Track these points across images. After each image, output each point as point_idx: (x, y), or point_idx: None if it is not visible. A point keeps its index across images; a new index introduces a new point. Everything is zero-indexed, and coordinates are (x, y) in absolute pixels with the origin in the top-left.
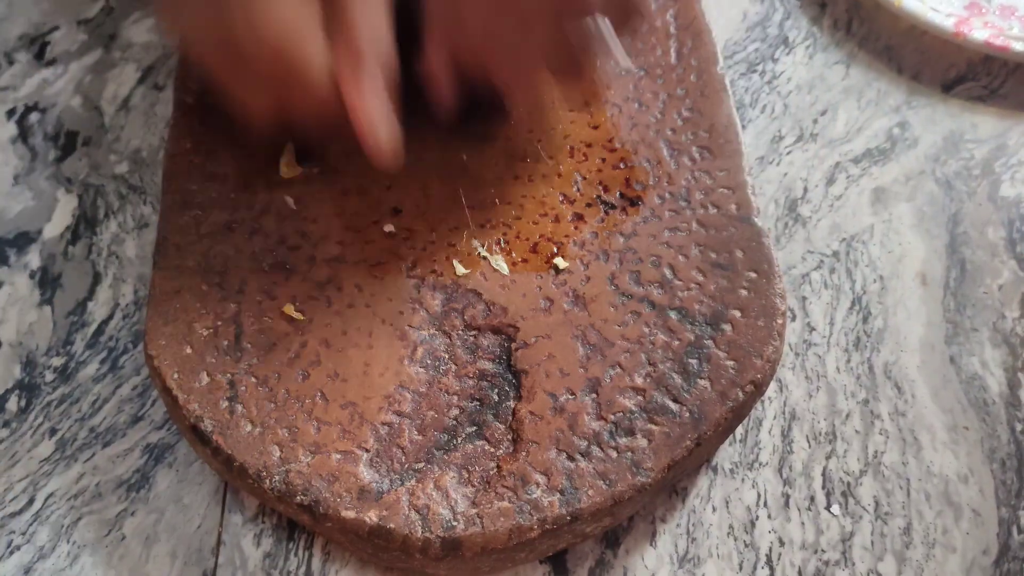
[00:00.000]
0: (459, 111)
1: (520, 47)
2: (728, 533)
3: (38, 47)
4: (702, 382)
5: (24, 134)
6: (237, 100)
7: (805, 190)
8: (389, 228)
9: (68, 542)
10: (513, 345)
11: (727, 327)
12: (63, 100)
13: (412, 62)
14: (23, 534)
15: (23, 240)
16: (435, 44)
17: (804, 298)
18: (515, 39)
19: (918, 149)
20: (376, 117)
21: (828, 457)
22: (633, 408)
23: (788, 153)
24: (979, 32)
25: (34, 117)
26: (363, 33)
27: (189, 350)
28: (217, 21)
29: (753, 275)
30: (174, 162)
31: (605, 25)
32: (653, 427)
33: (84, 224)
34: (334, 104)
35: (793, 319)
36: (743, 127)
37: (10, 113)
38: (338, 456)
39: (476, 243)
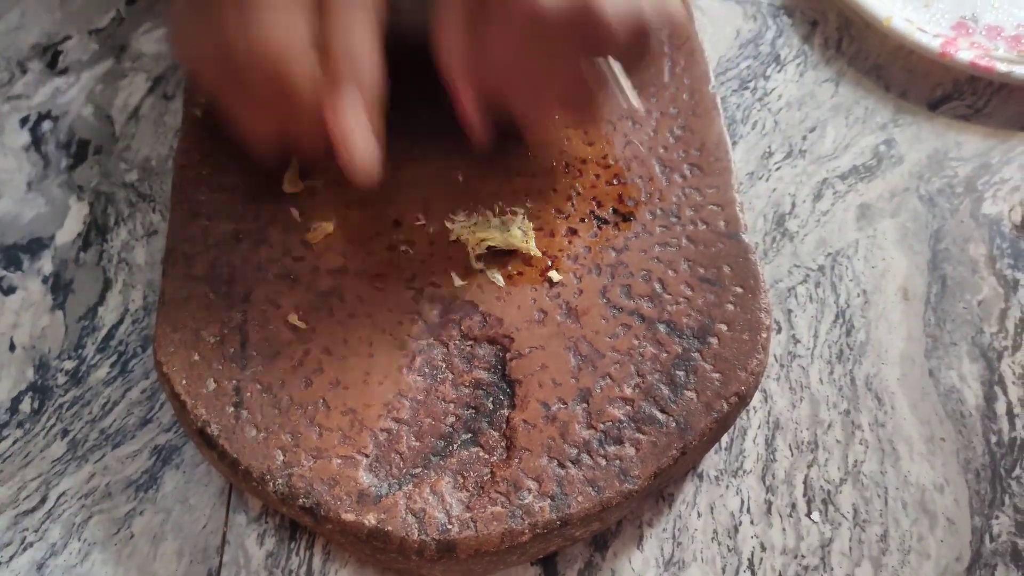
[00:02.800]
0: (491, 141)
1: (539, 84)
2: (712, 538)
3: (51, 56)
4: (688, 393)
5: (37, 142)
6: (238, 120)
7: (793, 205)
8: (389, 241)
9: (79, 540)
10: (508, 355)
11: (713, 340)
12: (75, 109)
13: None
14: (36, 531)
15: (36, 246)
16: (462, 81)
17: (790, 311)
18: (535, 77)
19: (903, 166)
20: (351, 136)
21: (810, 466)
22: (622, 418)
23: (777, 169)
24: (965, 53)
25: (47, 125)
26: (345, 54)
27: (197, 357)
28: (217, 43)
29: (739, 290)
30: (183, 173)
31: (618, 68)
32: (641, 436)
33: (95, 231)
34: (321, 123)
35: (779, 331)
36: (735, 143)
37: (23, 121)
38: (339, 461)
39: (473, 255)
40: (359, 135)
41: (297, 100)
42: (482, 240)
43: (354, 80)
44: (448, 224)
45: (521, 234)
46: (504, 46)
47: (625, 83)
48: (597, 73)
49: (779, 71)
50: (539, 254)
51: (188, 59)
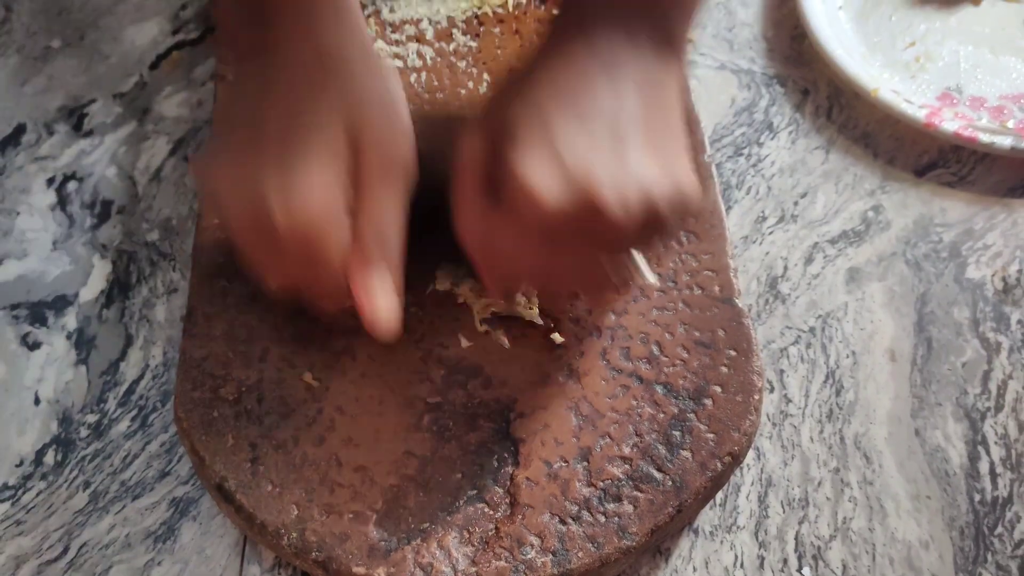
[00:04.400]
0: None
1: (555, 274)
2: None
3: (76, 119)
4: (684, 453)
5: (63, 202)
6: (261, 270)
7: (785, 268)
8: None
9: None
10: (512, 415)
11: (708, 401)
12: (99, 170)
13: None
14: None
15: (61, 303)
16: (480, 260)
17: (782, 371)
18: (550, 268)
19: (890, 232)
20: (380, 313)
21: (801, 522)
22: (621, 476)
23: (770, 233)
24: (949, 123)
25: (72, 186)
26: (377, 235)
27: (215, 414)
28: (254, 200)
29: (733, 353)
30: (204, 236)
31: (638, 255)
32: (639, 494)
33: (117, 288)
34: (346, 288)
35: (771, 390)
36: (730, 207)
37: (50, 181)
38: (350, 516)
39: (477, 320)
40: (386, 312)
41: (326, 267)
42: (487, 306)
43: (383, 258)
44: (455, 288)
45: (525, 300)
46: (515, 240)
47: (642, 264)
48: (617, 264)
49: (772, 138)
50: (541, 322)
51: (219, 206)
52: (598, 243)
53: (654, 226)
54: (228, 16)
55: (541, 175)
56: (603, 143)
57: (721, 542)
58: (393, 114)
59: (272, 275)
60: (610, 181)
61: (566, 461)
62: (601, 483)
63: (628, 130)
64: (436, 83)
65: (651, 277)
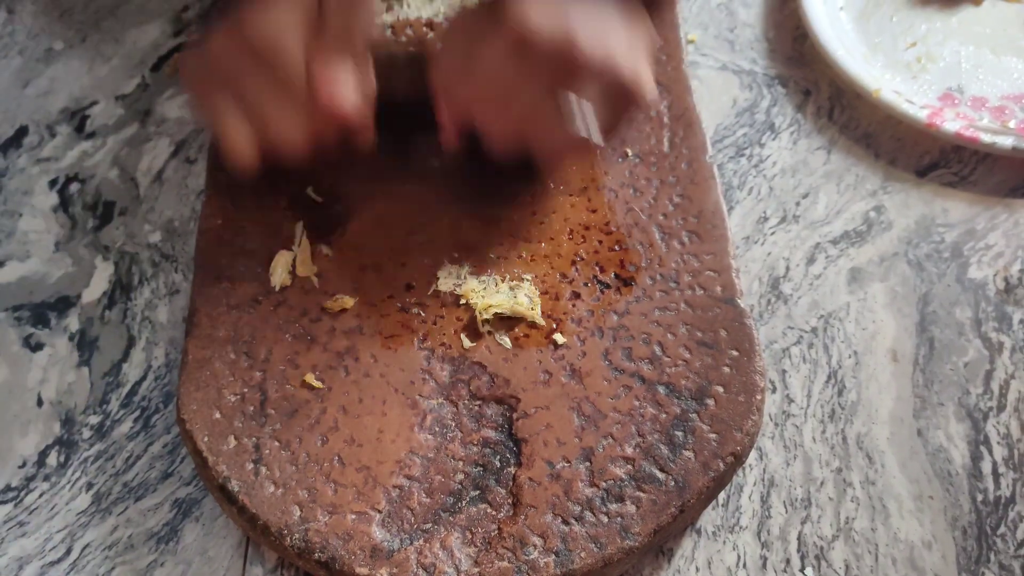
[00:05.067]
0: (462, 150)
1: (512, 104)
2: None
3: (78, 121)
4: (687, 453)
5: (65, 203)
6: (230, 126)
7: (787, 269)
8: (402, 303)
9: None
10: (514, 415)
11: (710, 402)
12: (101, 171)
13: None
14: None
15: (63, 304)
16: (444, 92)
17: (784, 371)
18: (510, 96)
19: (892, 232)
20: (338, 92)
21: (803, 522)
22: (623, 476)
23: (772, 233)
24: (951, 124)
25: (74, 187)
26: (335, 24)
27: (218, 415)
28: (214, 43)
29: (735, 353)
30: (206, 238)
31: (588, 107)
32: (641, 494)
33: (120, 290)
34: (306, 94)
35: (773, 391)
36: (731, 208)
37: (52, 183)
38: (353, 516)
39: (480, 320)
40: (348, 89)
41: (284, 70)
42: (489, 306)
43: (347, 50)
44: (458, 288)
45: (527, 301)
46: (488, 63)
47: (591, 120)
48: (567, 106)
49: (774, 139)
50: (543, 323)
51: (184, 71)
52: (560, 74)
53: (611, 80)
54: None
55: (532, 10)
56: (590, 19)
57: (724, 542)
58: None
59: (232, 126)
60: (588, 35)
61: (569, 461)
62: (604, 483)
63: (609, 24)
64: None
65: (597, 136)
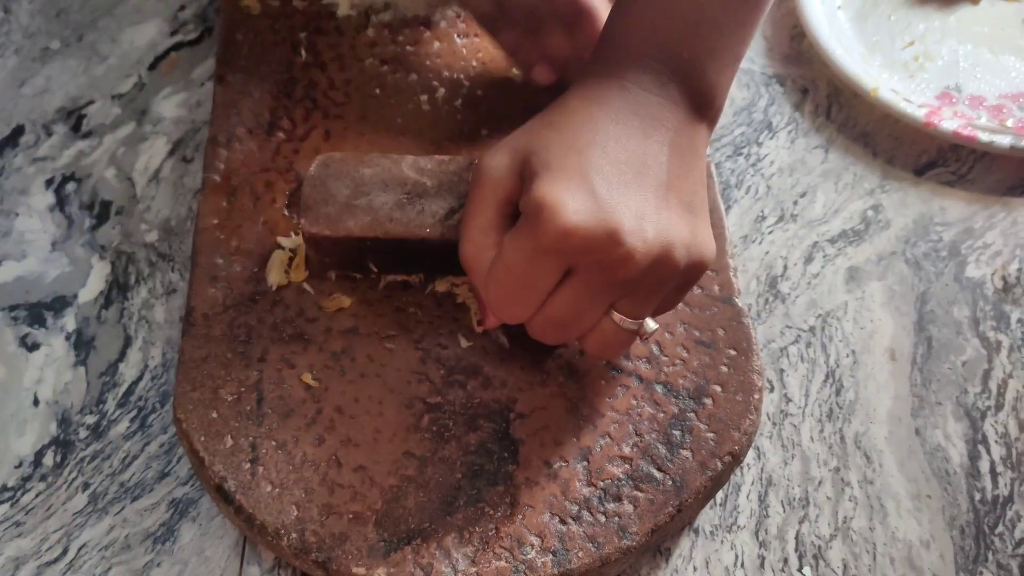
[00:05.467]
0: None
1: (561, 316)
2: None
3: (75, 120)
4: (684, 452)
5: (61, 203)
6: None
7: (785, 268)
8: (399, 303)
9: None
10: (511, 415)
11: (708, 401)
12: (98, 171)
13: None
14: None
15: (60, 304)
16: (484, 289)
17: (782, 370)
18: (558, 307)
19: (890, 231)
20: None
21: (801, 521)
22: (621, 476)
23: (770, 232)
24: (948, 122)
25: (71, 187)
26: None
27: (215, 414)
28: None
29: (733, 352)
30: (202, 237)
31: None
32: (638, 494)
33: (116, 289)
34: None
35: (771, 390)
36: (729, 207)
37: (48, 182)
38: (350, 516)
39: (475, 320)
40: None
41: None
42: None
43: None
44: (454, 288)
45: None
46: (518, 256)
47: (654, 327)
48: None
49: (771, 138)
50: None
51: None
52: (610, 279)
53: (666, 274)
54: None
55: (570, 197)
56: (633, 187)
57: (721, 542)
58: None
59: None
60: (634, 222)
61: (566, 461)
62: (601, 483)
63: (656, 182)
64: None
65: (652, 324)
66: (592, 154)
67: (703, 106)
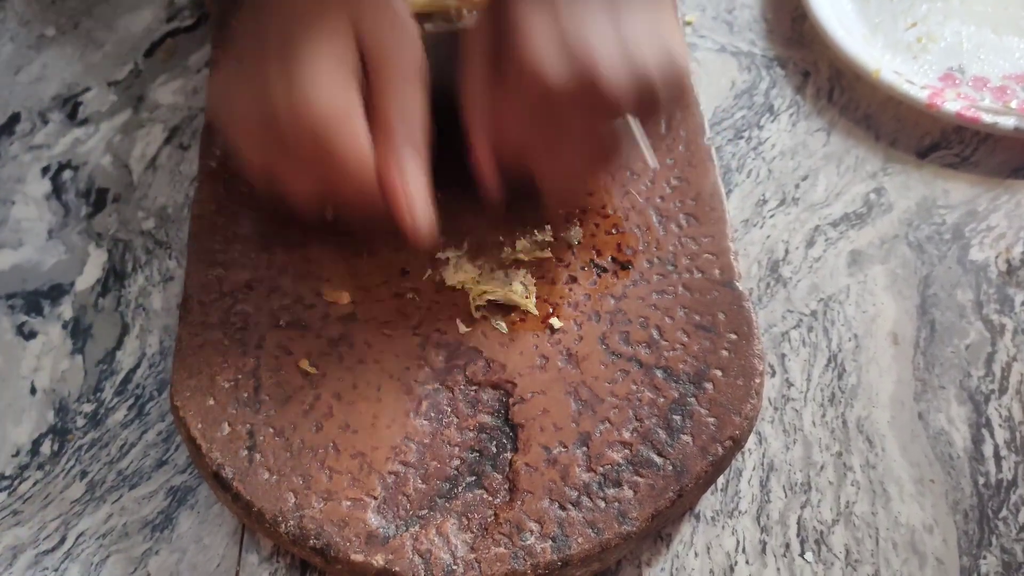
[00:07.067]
0: (506, 200)
1: (556, 144)
2: None
3: (71, 107)
4: (685, 437)
5: (58, 191)
6: (278, 182)
7: (786, 252)
8: (397, 289)
9: None
10: (511, 400)
11: (709, 385)
12: (94, 158)
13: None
14: (55, 571)
15: (56, 292)
16: (480, 144)
17: (783, 355)
18: (552, 138)
19: (893, 214)
20: (414, 203)
21: (803, 506)
22: (620, 461)
23: (771, 216)
24: (951, 104)
25: (67, 174)
26: (402, 122)
27: (212, 402)
28: (261, 106)
29: (734, 337)
30: (199, 223)
31: (636, 124)
32: (639, 479)
33: (113, 277)
34: (373, 186)
35: (773, 375)
36: (730, 190)
37: (44, 170)
38: (348, 503)
39: (473, 306)
40: (421, 199)
41: (346, 163)
42: (483, 292)
43: (412, 146)
44: (454, 273)
45: (522, 289)
46: (519, 111)
47: (642, 139)
48: (613, 132)
49: (773, 121)
50: (536, 312)
51: (227, 123)
52: (595, 112)
53: (648, 95)
54: None
55: (544, 52)
56: (601, 17)
57: (723, 527)
58: (402, 19)
59: (291, 185)
60: (607, 54)
61: (565, 446)
62: (601, 468)
63: (624, 4)
64: None
65: (651, 157)
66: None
67: None
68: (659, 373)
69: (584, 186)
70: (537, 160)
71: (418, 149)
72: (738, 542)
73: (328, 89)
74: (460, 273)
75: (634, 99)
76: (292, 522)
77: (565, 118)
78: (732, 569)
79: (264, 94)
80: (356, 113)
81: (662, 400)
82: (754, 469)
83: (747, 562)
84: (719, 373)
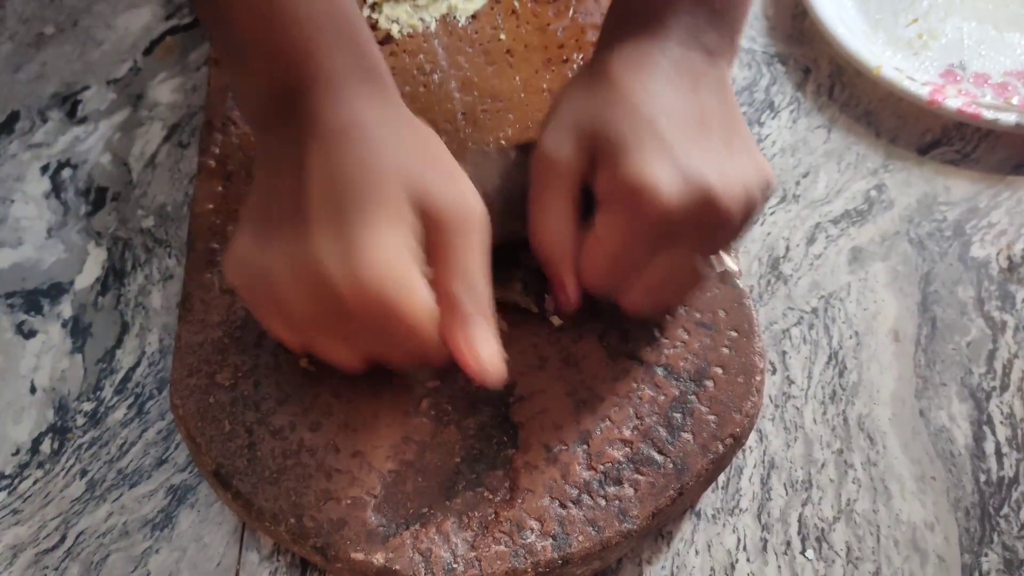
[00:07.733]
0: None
1: (649, 275)
2: (710, 575)
3: (70, 106)
4: (685, 435)
5: (57, 189)
6: (325, 350)
7: (787, 249)
8: None
9: None
10: (510, 398)
11: (709, 383)
12: (93, 157)
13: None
14: (56, 569)
15: (56, 291)
16: (566, 270)
17: (784, 352)
18: (652, 278)
19: (894, 211)
20: (487, 364)
21: (804, 504)
22: (621, 459)
23: (772, 213)
24: (952, 100)
25: (66, 173)
26: (464, 286)
27: (211, 400)
28: (312, 276)
29: (734, 334)
30: (198, 222)
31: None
32: (639, 477)
33: (113, 276)
34: (438, 348)
35: (773, 372)
36: None
37: (44, 169)
38: (348, 501)
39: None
40: (493, 363)
41: (411, 331)
42: None
43: (478, 312)
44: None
45: (521, 287)
46: (620, 240)
47: (724, 255)
48: (710, 263)
49: (773, 118)
50: (536, 310)
51: (261, 299)
52: (709, 237)
53: (751, 215)
54: (249, 90)
55: (660, 174)
56: (705, 144)
57: (724, 525)
58: (453, 172)
59: (345, 357)
60: (720, 178)
61: (566, 444)
62: (601, 466)
63: (718, 132)
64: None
65: (732, 263)
66: (662, 124)
67: (727, 48)
68: (659, 371)
69: (670, 308)
70: (625, 287)
71: (484, 313)
72: (739, 540)
73: (392, 251)
74: None
75: (743, 221)
76: (292, 521)
77: (668, 246)
78: (733, 567)
79: (313, 258)
80: (420, 280)
81: (662, 398)
82: (755, 467)
83: (748, 560)
84: (720, 371)
